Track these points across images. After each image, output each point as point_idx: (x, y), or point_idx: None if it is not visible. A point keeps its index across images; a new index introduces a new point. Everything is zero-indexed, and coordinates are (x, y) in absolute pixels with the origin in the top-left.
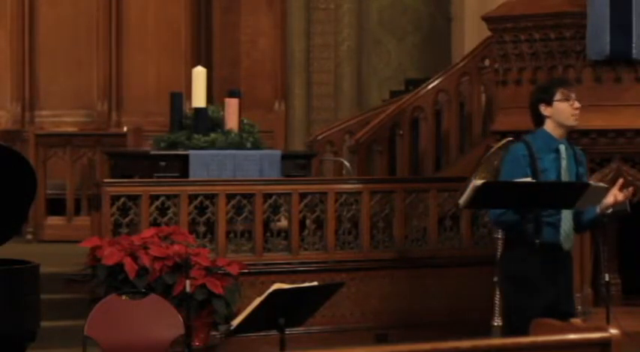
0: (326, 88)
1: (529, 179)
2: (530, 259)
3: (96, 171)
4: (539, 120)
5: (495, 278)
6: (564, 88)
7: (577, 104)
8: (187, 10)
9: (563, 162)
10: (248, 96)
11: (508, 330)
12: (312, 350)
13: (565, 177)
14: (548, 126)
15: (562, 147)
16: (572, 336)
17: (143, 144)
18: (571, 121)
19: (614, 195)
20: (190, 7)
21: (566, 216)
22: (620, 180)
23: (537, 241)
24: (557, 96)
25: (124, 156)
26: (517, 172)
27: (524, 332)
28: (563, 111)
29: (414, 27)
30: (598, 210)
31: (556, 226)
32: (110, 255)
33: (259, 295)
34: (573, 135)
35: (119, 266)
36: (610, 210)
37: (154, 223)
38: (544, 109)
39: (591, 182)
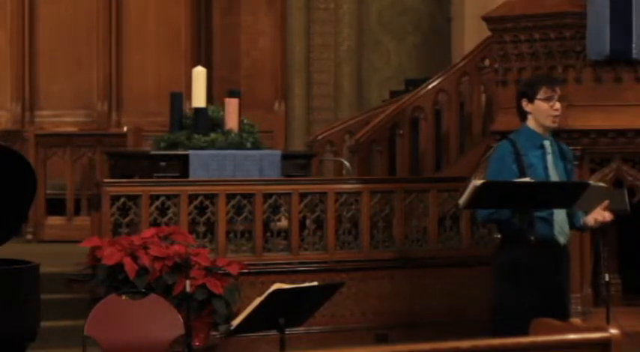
0: (326, 88)
1: (528, 179)
2: (526, 256)
3: (96, 171)
4: (523, 114)
5: None
6: (548, 87)
7: (557, 105)
8: (187, 10)
9: (549, 157)
10: (248, 96)
11: (500, 329)
12: (312, 350)
13: (552, 172)
14: (531, 122)
15: (546, 143)
16: (572, 336)
17: (143, 144)
18: (549, 122)
19: (594, 218)
20: (190, 7)
21: (558, 210)
22: (605, 202)
23: (532, 237)
24: (540, 94)
25: (124, 156)
26: (503, 171)
27: (518, 332)
28: (542, 111)
29: (414, 27)
30: (582, 222)
31: (549, 221)
32: (110, 255)
33: (259, 295)
34: (574, 135)
35: (119, 266)
36: (591, 225)
37: (154, 223)
38: (526, 105)
39: (590, 181)
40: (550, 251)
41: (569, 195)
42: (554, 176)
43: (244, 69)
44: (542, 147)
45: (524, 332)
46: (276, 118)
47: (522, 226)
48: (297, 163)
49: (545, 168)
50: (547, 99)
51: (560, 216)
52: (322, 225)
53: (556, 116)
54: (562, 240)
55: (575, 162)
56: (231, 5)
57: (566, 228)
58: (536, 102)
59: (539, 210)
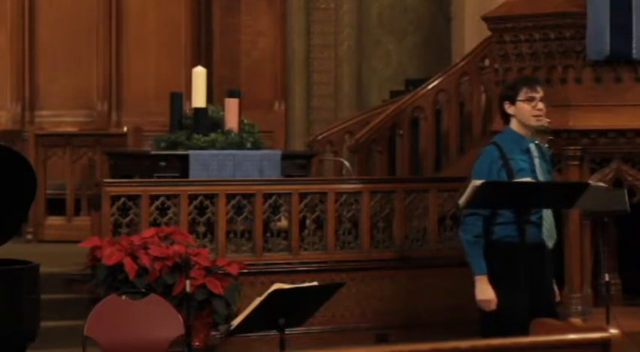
0: (326, 88)
1: (529, 179)
2: (514, 259)
3: (96, 171)
4: (506, 117)
5: None
6: (528, 88)
7: (540, 105)
8: (187, 10)
9: (536, 161)
10: (248, 96)
11: (489, 331)
12: (312, 350)
13: (539, 175)
14: (514, 124)
15: (532, 146)
16: (572, 336)
17: (143, 144)
18: (532, 122)
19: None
20: (190, 7)
21: (547, 214)
22: None
23: (525, 240)
24: (521, 95)
25: (124, 156)
26: (490, 176)
27: (506, 334)
28: (525, 112)
29: (414, 27)
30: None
31: (538, 225)
32: (110, 255)
33: (259, 295)
34: (574, 135)
35: (119, 266)
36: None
37: (154, 223)
38: (508, 107)
39: (591, 182)
40: (538, 253)
41: (570, 195)
42: (542, 179)
43: (244, 69)
44: (528, 151)
45: (513, 334)
46: (276, 118)
47: (522, 227)
48: (297, 163)
49: (533, 171)
50: (528, 100)
51: (548, 220)
52: (322, 225)
53: (539, 115)
54: (550, 243)
55: (576, 162)
56: (231, 5)
57: (554, 232)
58: (518, 103)
59: (539, 210)
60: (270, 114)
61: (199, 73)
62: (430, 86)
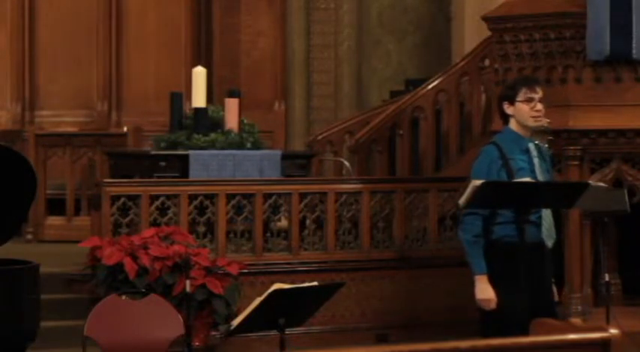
0: (326, 88)
1: (528, 179)
2: (513, 259)
3: (96, 171)
4: (505, 117)
5: None
6: (528, 89)
7: (539, 106)
8: (187, 10)
9: (536, 160)
10: (248, 96)
11: (489, 331)
12: (312, 350)
13: (539, 174)
14: (513, 124)
15: (531, 146)
16: (572, 336)
17: (143, 144)
18: (531, 122)
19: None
20: (190, 7)
21: (547, 214)
22: None
23: (524, 240)
24: (520, 96)
25: (124, 156)
26: (490, 175)
27: (506, 333)
28: (523, 113)
29: (414, 27)
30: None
31: (537, 224)
32: (110, 255)
33: (259, 295)
34: (574, 135)
35: (119, 266)
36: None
37: (154, 223)
38: (507, 107)
39: (591, 182)
40: (537, 253)
41: (570, 195)
42: (541, 179)
43: (244, 69)
44: (527, 151)
45: (513, 334)
46: (276, 118)
47: (521, 227)
48: (297, 163)
49: (533, 171)
50: (527, 101)
51: (548, 219)
52: (322, 225)
53: (538, 116)
54: (549, 243)
55: (576, 162)
56: (231, 5)
57: (553, 231)
58: (517, 104)
59: (539, 209)
60: (270, 114)
61: (199, 73)
62: (430, 86)
